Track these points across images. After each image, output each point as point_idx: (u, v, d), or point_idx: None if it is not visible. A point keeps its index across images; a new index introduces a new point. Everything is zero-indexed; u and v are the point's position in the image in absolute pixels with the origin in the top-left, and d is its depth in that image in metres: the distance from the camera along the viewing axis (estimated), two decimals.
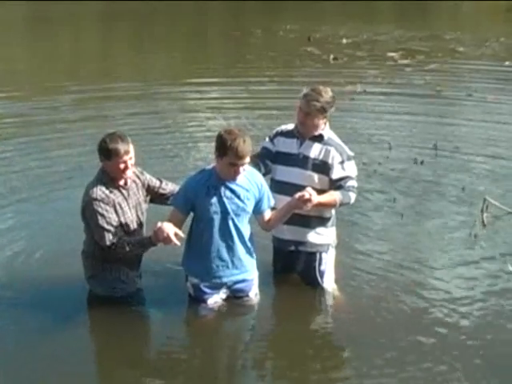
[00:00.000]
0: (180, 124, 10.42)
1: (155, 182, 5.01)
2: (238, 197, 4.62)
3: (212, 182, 4.60)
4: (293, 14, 27.56)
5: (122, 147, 4.65)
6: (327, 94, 4.85)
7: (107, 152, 4.65)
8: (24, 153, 8.83)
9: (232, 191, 4.61)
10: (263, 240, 5.19)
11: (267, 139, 5.11)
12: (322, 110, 4.83)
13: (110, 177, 4.74)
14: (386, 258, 5.83)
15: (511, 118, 10.77)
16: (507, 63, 15.71)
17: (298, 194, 4.60)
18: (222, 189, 4.60)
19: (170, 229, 4.44)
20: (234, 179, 4.59)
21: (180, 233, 4.50)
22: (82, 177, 7.41)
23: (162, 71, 14.78)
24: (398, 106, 11.55)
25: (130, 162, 4.71)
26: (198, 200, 4.61)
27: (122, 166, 4.67)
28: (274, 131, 5.12)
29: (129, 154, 4.68)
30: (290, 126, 5.07)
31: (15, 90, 12.87)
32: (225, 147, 4.45)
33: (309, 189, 4.62)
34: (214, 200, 4.59)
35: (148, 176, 5.00)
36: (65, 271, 5.33)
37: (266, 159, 5.01)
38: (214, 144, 4.57)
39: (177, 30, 24.14)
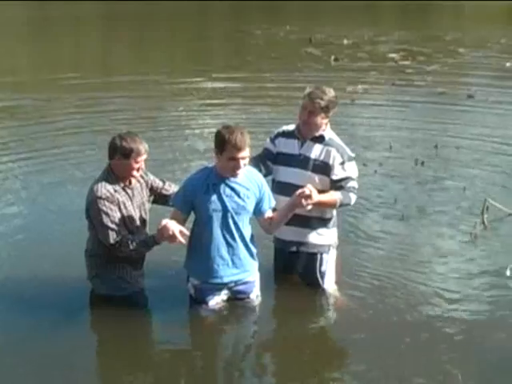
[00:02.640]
0: (178, 125, 10.42)
1: (158, 183, 5.03)
2: (238, 195, 4.61)
3: (211, 180, 4.59)
4: (294, 15, 27.59)
5: (142, 147, 4.70)
6: (331, 93, 4.87)
7: (128, 151, 4.65)
8: (19, 153, 8.88)
9: (232, 189, 4.60)
10: (264, 241, 5.19)
11: (268, 140, 5.10)
12: (326, 109, 4.83)
13: (117, 176, 4.75)
14: (386, 259, 5.84)
15: None
16: (508, 64, 15.73)
17: (298, 191, 4.59)
18: (222, 187, 4.59)
19: (174, 226, 4.43)
20: (234, 175, 4.57)
21: (185, 230, 4.49)
22: (81, 175, 7.50)
23: (162, 72, 14.77)
24: (399, 106, 11.57)
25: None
26: (197, 198, 4.60)
27: (138, 165, 4.70)
28: (275, 132, 5.11)
29: (147, 152, 4.73)
30: (291, 127, 5.06)
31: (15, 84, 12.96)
32: (223, 142, 4.46)
33: (309, 185, 4.61)
34: (214, 198, 4.57)
35: (152, 177, 5.02)
36: (67, 270, 5.33)
37: (266, 160, 5.01)
38: (210, 143, 4.56)
39: (178, 30, 24.14)
